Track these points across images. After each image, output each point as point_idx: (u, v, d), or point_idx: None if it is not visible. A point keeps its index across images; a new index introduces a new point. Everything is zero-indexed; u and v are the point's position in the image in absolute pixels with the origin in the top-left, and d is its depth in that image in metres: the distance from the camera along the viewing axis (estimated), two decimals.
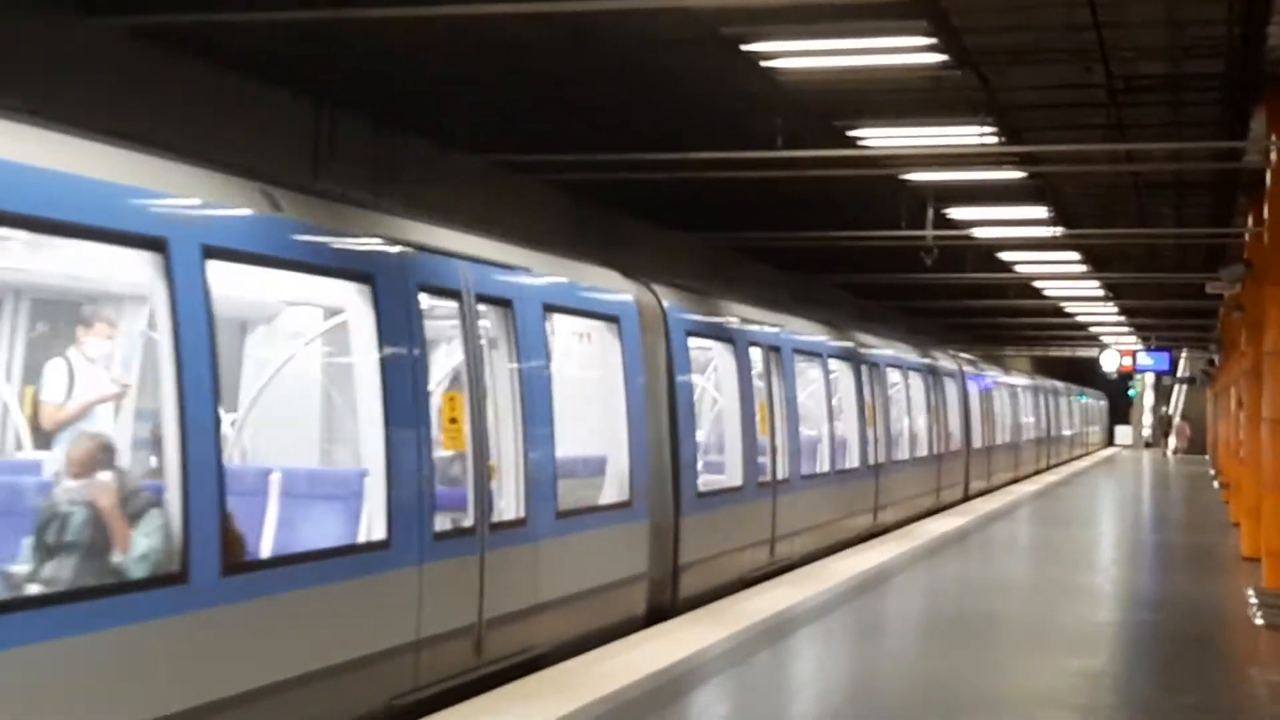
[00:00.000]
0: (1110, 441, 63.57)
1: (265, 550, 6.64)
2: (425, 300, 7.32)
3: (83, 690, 4.99)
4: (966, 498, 22.99)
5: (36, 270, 6.87)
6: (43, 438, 7.25)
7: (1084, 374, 57.83)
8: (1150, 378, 56.13)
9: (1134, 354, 43.48)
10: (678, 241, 20.09)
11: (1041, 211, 17.76)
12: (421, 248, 7.32)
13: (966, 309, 31.05)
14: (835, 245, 19.07)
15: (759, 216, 19.02)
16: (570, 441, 9.10)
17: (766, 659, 8.48)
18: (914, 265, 19.27)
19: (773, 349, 13.09)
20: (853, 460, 15.98)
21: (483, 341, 7.85)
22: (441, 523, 7.25)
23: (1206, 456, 40.85)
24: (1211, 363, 36.35)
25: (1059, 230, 18.85)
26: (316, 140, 12.32)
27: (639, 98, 12.63)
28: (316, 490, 7.03)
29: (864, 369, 16.69)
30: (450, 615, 7.21)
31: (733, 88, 12.05)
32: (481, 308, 7.81)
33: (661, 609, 9.99)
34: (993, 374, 28.37)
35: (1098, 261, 23.68)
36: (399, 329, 6.96)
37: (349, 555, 6.59)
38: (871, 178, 15.54)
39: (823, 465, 14.93)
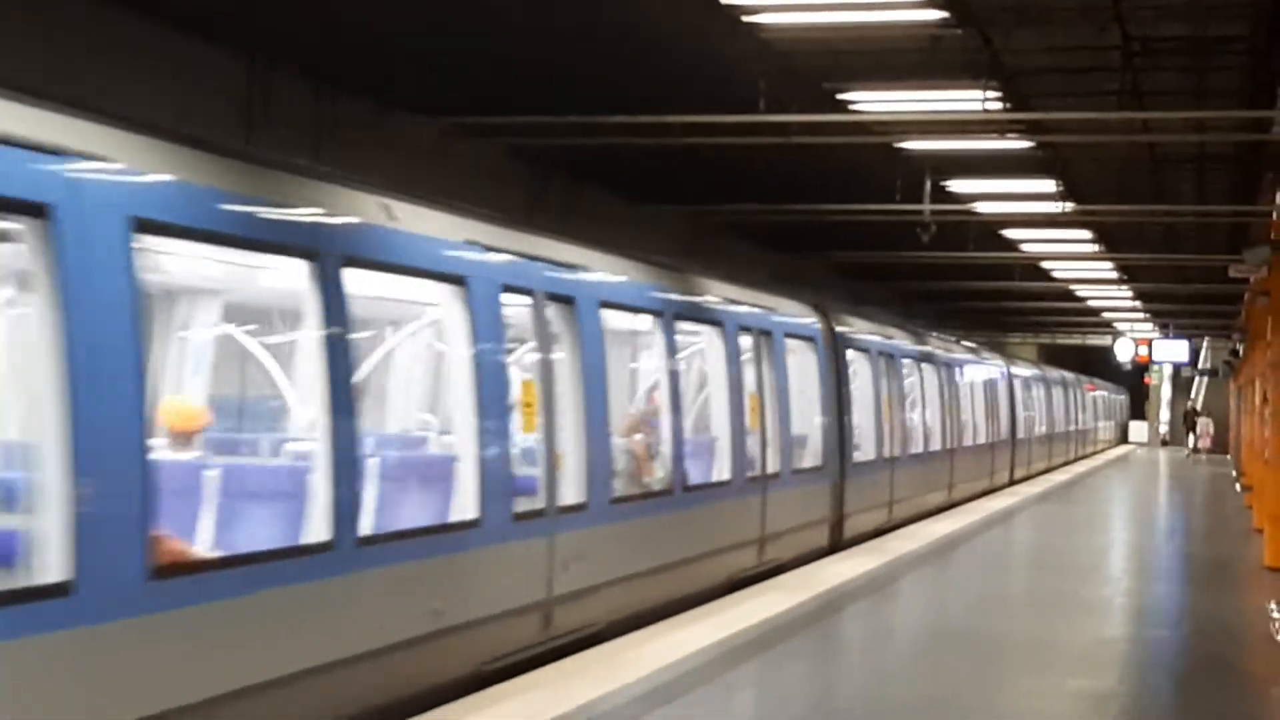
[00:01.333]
0: (1124, 439, 63.90)
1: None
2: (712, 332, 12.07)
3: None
4: (1012, 482, 27.78)
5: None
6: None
7: (1095, 364, 58.05)
8: (1168, 369, 56.32)
9: (1150, 343, 43.59)
10: (649, 215, 20.07)
11: (1050, 185, 17.77)
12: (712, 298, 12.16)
13: (967, 291, 31.13)
14: (824, 220, 19.09)
15: (740, 189, 18.99)
16: (795, 424, 13.99)
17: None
18: (910, 243, 19.28)
19: (890, 356, 18.06)
20: (935, 444, 20.66)
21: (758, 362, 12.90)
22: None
23: (1228, 456, 41.02)
24: (1235, 353, 36.49)
25: (1069, 206, 18.87)
26: (250, 100, 12.23)
27: (607, 57, 12.58)
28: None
29: (943, 371, 21.44)
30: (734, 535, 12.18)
31: (712, 47, 12.01)
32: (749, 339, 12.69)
33: (836, 544, 14.94)
34: (1028, 372, 32.57)
35: (1111, 241, 23.75)
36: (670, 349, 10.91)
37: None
38: (864, 146, 15.54)
39: (918, 447, 19.54)
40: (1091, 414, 46.83)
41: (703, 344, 12.16)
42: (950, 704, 8.15)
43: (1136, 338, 45.61)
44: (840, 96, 13.17)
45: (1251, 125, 13.79)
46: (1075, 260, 26.56)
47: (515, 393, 8.47)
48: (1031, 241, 23.69)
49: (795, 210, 18.16)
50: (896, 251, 22.50)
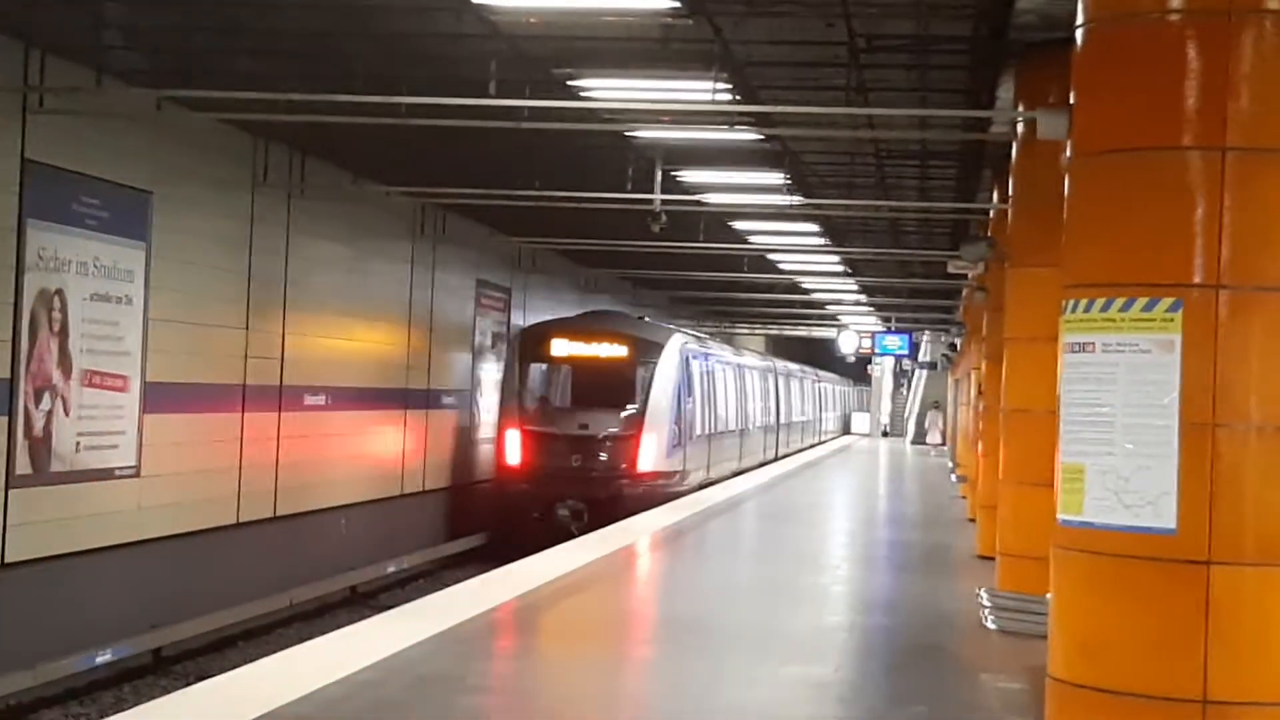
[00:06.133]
0: (847, 429, 65.65)
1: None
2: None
3: None
4: (777, 458, 38.04)
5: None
6: None
7: (820, 355, 59.45)
8: (890, 362, 58.04)
9: (874, 336, 44.79)
10: (376, 194, 19.86)
11: (778, 178, 18.09)
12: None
13: (697, 281, 31.53)
14: (555, 207, 19.07)
15: (471, 173, 18.87)
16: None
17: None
18: (641, 232, 19.42)
19: (714, 363, 29.71)
20: (733, 426, 31.72)
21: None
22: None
23: (944, 445, 42.37)
24: (953, 347, 37.73)
25: (796, 199, 19.24)
26: None
27: (333, 32, 12.34)
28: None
29: (741, 372, 33.43)
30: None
31: (441, 26, 11.88)
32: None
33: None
34: (789, 367, 45.11)
35: (837, 235, 24.28)
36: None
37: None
38: (596, 134, 15.57)
39: (726, 428, 30.54)
40: (830, 405, 54.52)
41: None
42: (662, 695, 8.21)
43: (860, 330, 46.79)
44: (571, 83, 13.17)
45: (972, 124, 14.22)
46: (802, 253, 27.11)
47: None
48: (760, 233, 24.06)
49: (525, 196, 18.10)
50: (628, 241, 22.62)
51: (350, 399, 19.85)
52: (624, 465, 23.14)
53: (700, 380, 26.53)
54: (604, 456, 23.13)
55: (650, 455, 23.39)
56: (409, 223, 21.72)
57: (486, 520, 23.75)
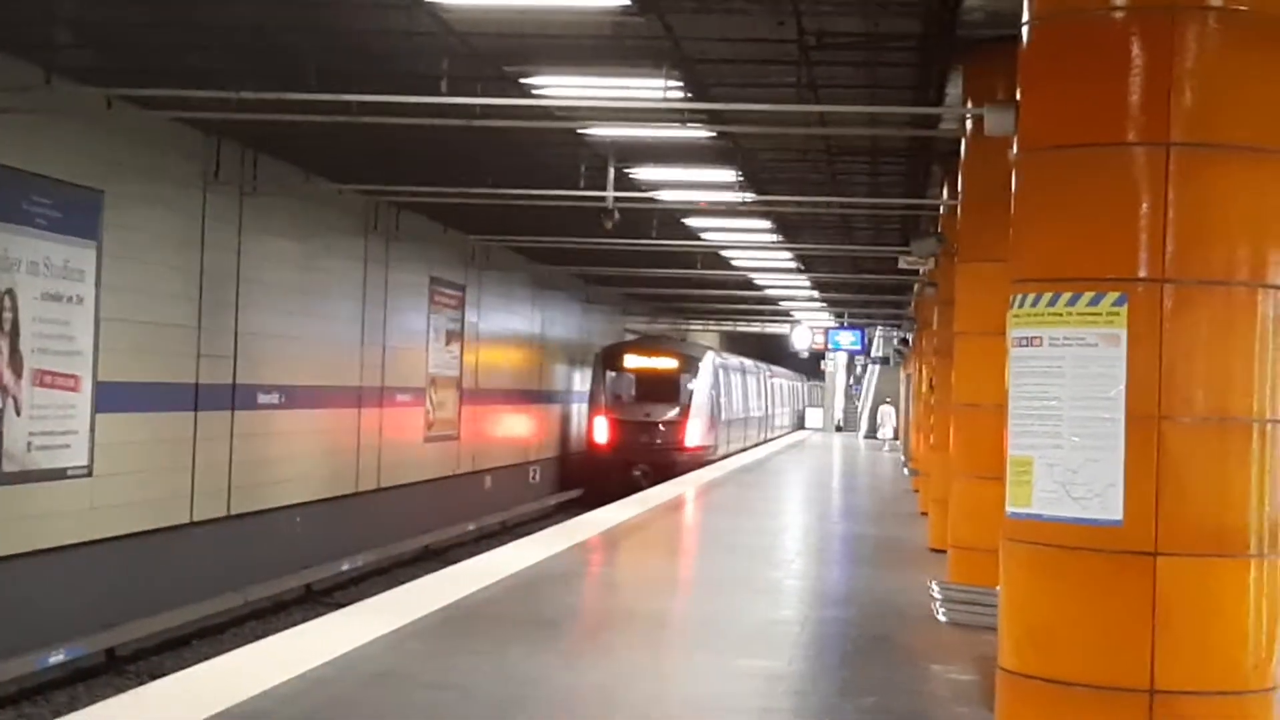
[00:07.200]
0: (801, 424, 65.88)
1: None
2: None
3: None
4: (764, 441, 48.10)
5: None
6: None
7: (775, 352, 59.57)
8: (843, 357, 58.22)
9: (827, 331, 44.94)
10: (327, 192, 19.83)
11: (730, 175, 18.12)
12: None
13: (650, 278, 31.56)
14: (509, 204, 19.06)
15: (424, 171, 18.85)
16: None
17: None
18: (594, 229, 19.43)
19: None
20: (741, 414, 42.78)
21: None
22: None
23: (898, 440, 42.56)
24: (905, 341, 37.91)
25: (748, 196, 19.29)
26: None
27: (287, 28, 12.29)
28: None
29: (750, 375, 45.72)
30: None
31: (394, 23, 11.84)
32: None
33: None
34: (780, 370, 59.15)
35: (789, 231, 24.35)
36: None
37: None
38: (548, 132, 15.57)
39: (754, 412, 45.90)
40: (783, 401, 60.99)
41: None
42: (616, 689, 8.23)
43: (813, 326, 46.94)
44: (524, 81, 13.16)
45: (921, 121, 14.30)
46: (755, 250, 27.19)
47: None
48: (713, 230, 24.12)
49: (479, 193, 18.07)
50: (582, 238, 22.63)
51: (305, 398, 19.78)
52: (677, 440, 33.88)
53: (724, 382, 38.66)
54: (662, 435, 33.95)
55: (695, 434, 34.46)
56: (362, 220, 21.66)
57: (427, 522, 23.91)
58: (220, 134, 16.75)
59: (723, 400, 37.60)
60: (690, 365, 35.21)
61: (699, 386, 34.89)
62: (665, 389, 34.52)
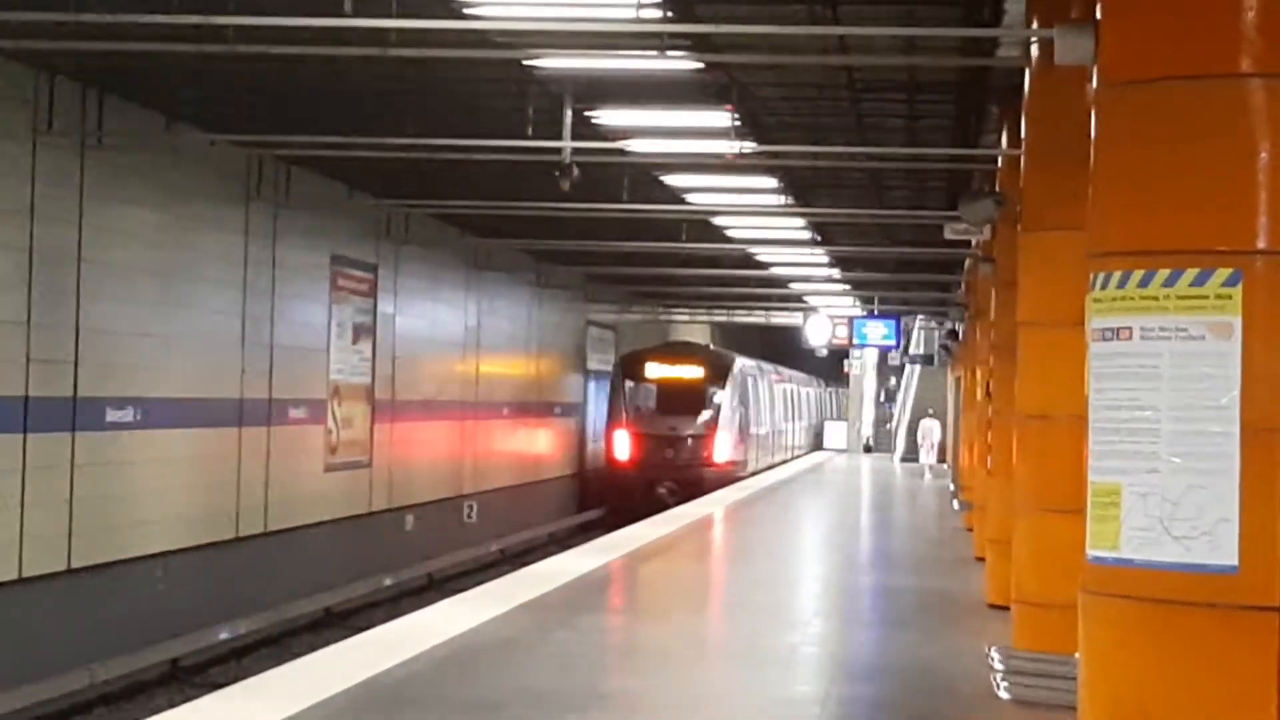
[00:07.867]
0: (819, 444, 66.05)
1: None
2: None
3: None
4: (791, 452, 57.67)
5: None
6: None
7: (783, 350, 59.64)
8: (872, 355, 58.24)
9: (851, 322, 44.75)
10: (197, 142, 19.78)
11: (723, 118, 18.09)
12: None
13: (621, 253, 31.53)
14: (434, 160, 19.06)
15: (324, 117, 18.81)
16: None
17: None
18: (547, 191, 19.42)
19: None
20: (768, 428, 50.97)
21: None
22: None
23: (945, 465, 42.53)
24: (954, 335, 37.92)
25: (747, 146, 19.22)
26: None
27: None
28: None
29: (781, 386, 55.74)
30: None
31: None
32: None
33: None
34: (809, 380, 68.73)
35: (801, 192, 24.34)
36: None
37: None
38: (486, 64, 15.57)
39: (778, 424, 54.41)
40: (808, 412, 67.97)
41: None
42: None
43: (834, 316, 46.72)
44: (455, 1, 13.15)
45: (973, 46, 14.29)
46: (756, 216, 27.10)
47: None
48: (701, 190, 24.05)
49: (395, 145, 18.05)
50: (530, 203, 22.63)
51: (169, 414, 19.74)
52: (704, 456, 40.75)
53: (751, 391, 45.97)
54: (689, 450, 40.77)
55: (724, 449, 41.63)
56: (243, 181, 21.63)
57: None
58: (54, 69, 16.70)
59: (751, 412, 45.18)
60: (718, 374, 42.38)
61: (726, 397, 41.97)
62: (691, 400, 41.54)
